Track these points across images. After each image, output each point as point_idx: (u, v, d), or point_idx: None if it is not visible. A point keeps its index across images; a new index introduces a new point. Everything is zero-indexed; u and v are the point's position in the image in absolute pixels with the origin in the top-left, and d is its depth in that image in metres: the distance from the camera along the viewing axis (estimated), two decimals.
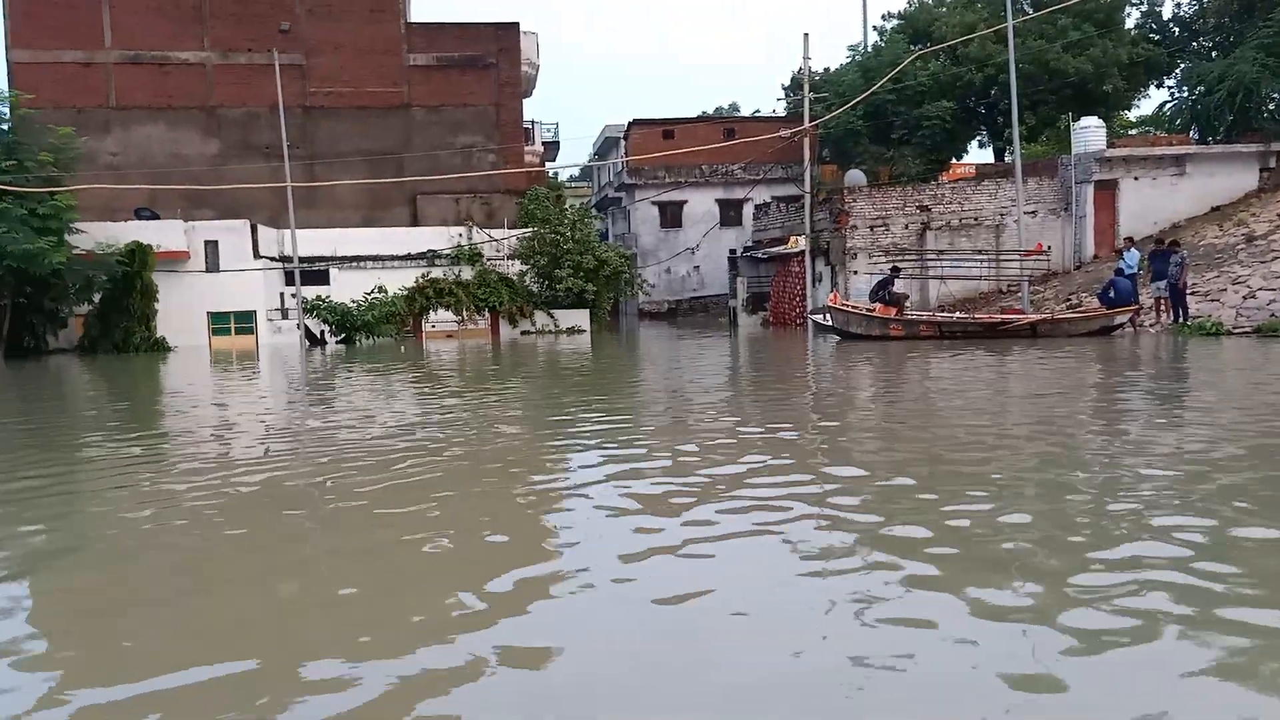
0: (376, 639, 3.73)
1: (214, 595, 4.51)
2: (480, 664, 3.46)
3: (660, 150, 43.43)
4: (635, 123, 48.33)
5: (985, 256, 28.93)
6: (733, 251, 41.39)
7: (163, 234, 30.68)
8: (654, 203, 47.28)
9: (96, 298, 29.54)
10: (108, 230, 29.76)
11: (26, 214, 26.00)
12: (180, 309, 30.48)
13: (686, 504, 5.84)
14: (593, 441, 8.78)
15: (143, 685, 3.37)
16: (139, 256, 29.60)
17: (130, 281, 29.43)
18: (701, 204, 47.63)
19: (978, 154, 48.33)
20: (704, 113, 62.55)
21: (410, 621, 3.97)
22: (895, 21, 44.99)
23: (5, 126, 28.02)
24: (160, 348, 29.66)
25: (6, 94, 29.15)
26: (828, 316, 24.72)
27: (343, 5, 37.54)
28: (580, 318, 35.05)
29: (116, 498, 6.94)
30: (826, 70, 46.48)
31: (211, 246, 31.46)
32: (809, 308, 32.09)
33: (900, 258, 28.05)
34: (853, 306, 24.68)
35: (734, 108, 69.66)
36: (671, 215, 47.91)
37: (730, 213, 47.42)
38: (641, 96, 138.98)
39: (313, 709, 3.13)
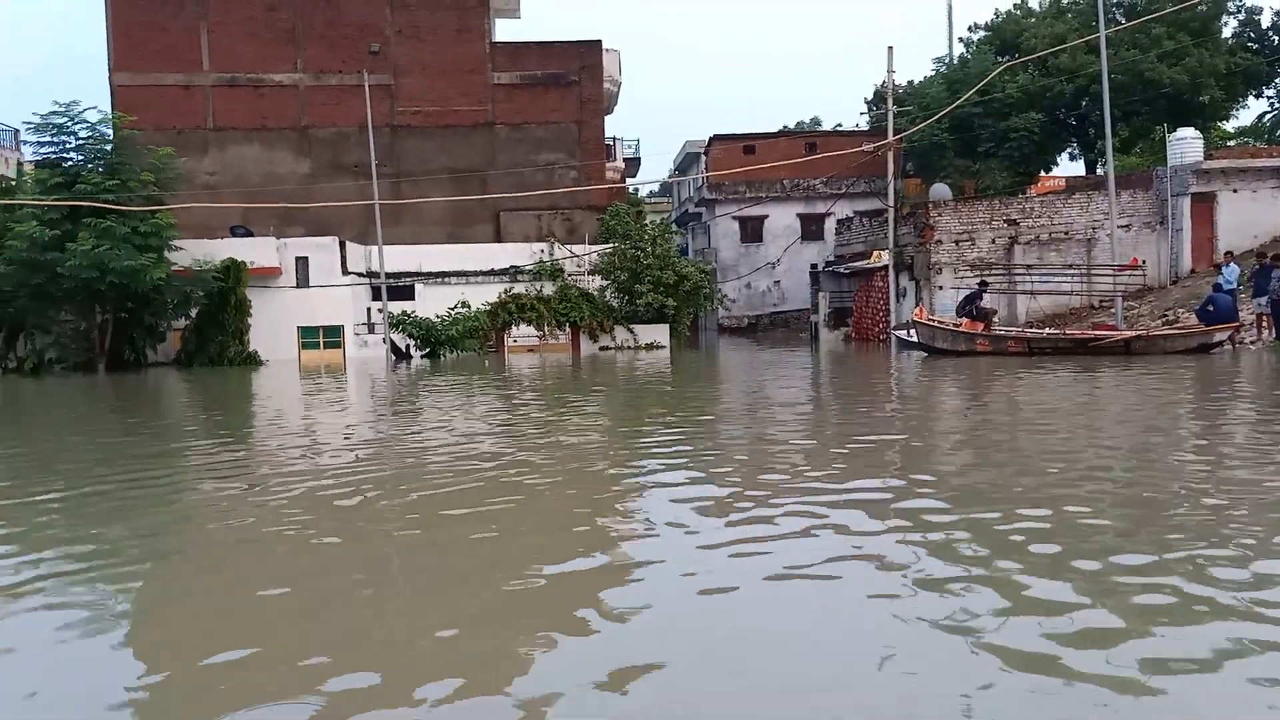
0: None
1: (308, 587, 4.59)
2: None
3: (741, 165, 43.31)
4: (716, 138, 48.34)
5: (1076, 271, 28.17)
6: (814, 266, 41.00)
7: (256, 251, 31.57)
8: (734, 217, 47.16)
9: (193, 312, 30.47)
10: (204, 247, 30.73)
11: (129, 232, 26.96)
12: (271, 323, 31.30)
13: (769, 518, 5.76)
14: (670, 453, 8.74)
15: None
16: (233, 273, 30.50)
17: (225, 297, 30.33)
18: (782, 218, 47.37)
19: (1068, 167, 47.21)
20: (785, 127, 62.23)
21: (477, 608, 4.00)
22: (982, 33, 44.24)
23: (108, 147, 29.11)
24: (253, 361, 30.50)
25: (109, 116, 30.29)
26: (912, 332, 24.32)
27: (430, 27, 38.31)
28: (660, 333, 35.05)
29: (238, 499, 7.13)
30: (910, 83, 45.92)
31: (302, 263, 32.27)
32: (892, 323, 31.62)
33: (988, 272, 27.48)
34: (938, 321, 24.24)
35: (815, 122, 69.20)
36: (752, 230, 47.74)
37: (812, 227, 47.05)
38: (723, 112, 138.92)
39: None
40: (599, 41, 39.69)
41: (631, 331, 35.02)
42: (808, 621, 4.03)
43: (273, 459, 9.73)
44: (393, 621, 4.23)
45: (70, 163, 28.55)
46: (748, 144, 47.07)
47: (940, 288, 30.79)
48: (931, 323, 23.86)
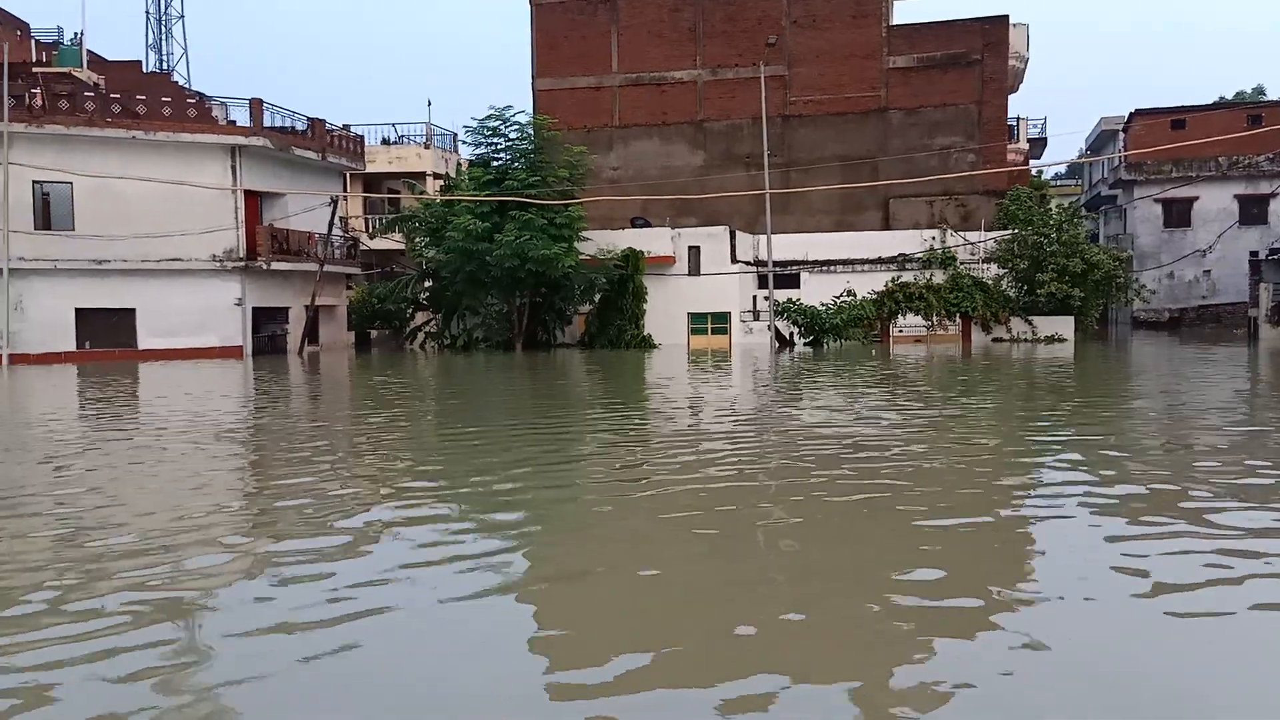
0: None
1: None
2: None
3: (1168, 142, 38.89)
4: (1138, 113, 43.78)
5: None
6: (1254, 254, 35.97)
7: (653, 240, 33.30)
8: (1157, 200, 42.45)
9: (596, 298, 32.78)
10: (607, 237, 32.95)
11: (546, 223, 29.56)
12: (664, 309, 32.87)
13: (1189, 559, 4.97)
14: (1072, 460, 7.92)
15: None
16: (632, 261, 32.39)
17: (624, 284, 32.31)
18: (1216, 200, 41.91)
19: None
20: (1221, 99, 55.01)
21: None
22: None
23: (530, 147, 31.98)
24: (647, 345, 32.22)
25: (533, 118, 33.25)
26: None
27: (827, 14, 38.14)
28: (1062, 325, 32.36)
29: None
30: None
31: (694, 252, 33.54)
32: None
33: None
34: None
35: (1259, 91, 60.45)
36: (1178, 214, 42.69)
37: (1253, 210, 41.25)
38: (1147, 84, 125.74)
39: None
40: (1005, 16, 37.34)
41: (1030, 323, 32.69)
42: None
43: (674, 432, 10.11)
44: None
45: (499, 161, 31.73)
46: (1176, 118, 42.16)
47: None
48: None
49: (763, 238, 34.02)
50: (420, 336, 34.12)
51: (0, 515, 6.35)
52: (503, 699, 3.30)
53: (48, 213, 28.02)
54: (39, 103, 27.50)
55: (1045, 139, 48.87)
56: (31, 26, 35.43)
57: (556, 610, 4.28)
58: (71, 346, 27.99)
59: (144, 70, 38.06)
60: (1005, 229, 33.93)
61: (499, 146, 31.92)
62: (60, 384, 19.89)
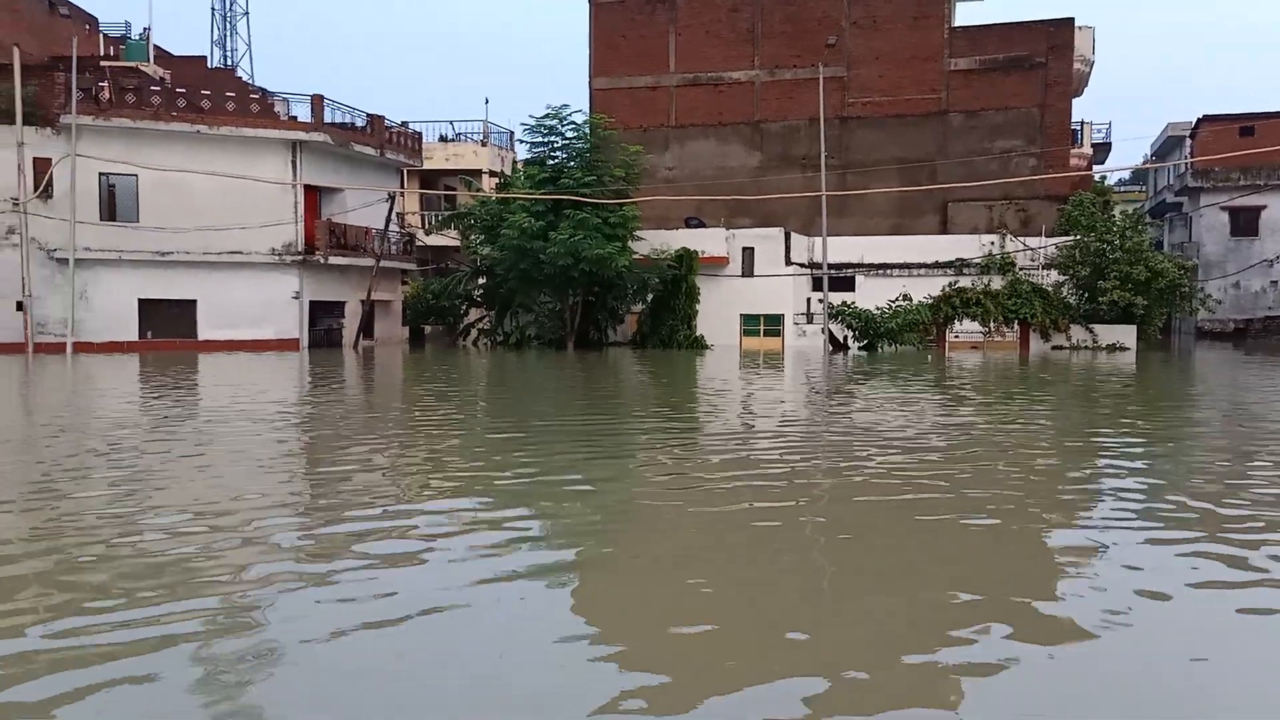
0: None
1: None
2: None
3: (1236, 149, 37.87)
4: (1205, 119, 42.76)
5: None
6: None
7: (707, 241, 33.15)
8: (1224, 208, 41.42)
9: (649, 298, 32.71)
10: (661, 237, 32.87)
11: (600, 223, 29.56)
12: (717, 310, 32.72)
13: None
14: (1133, 472, 7.69)
15: None
16: (686, 261, 32.28)
17: (677, 284, 32.20)
18: None
19: None
20: None
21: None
22: None
23: (586, 146, 31.99)
24: (699, 345, 32.08)
25: (589, 117, 33.27)
26: None
27: (888, 15, 37.74)
28: (1124, 334, 31.66)
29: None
30: None
31: (748, 253, 33.34)
32: None
33: None
34: None
35: None
36: (1245, 222, 41.63)
37: None
38: (1215, 89, 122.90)
39: None
40: (1071, 19, 36.67)
41: (1090, 331, 32.04)
42: None
43: (725, 431, 10.00)
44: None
45: (555, 160, 31.77)
46: (1245, 124, 41.10)
47: None
48: None
49: (818, 240, 33.72)
50: (474, 333, 34.31)
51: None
52: (506, 697, 3.25)
53: (113, 204, 28.61)
54: (106, 96, 28.07)
55: (1109, 144, 48.00)
56: (100, 21, 36.21)
57: (587, 599, 4.21)
58: (134, 336, 28.56)
59: (209, 65, 38.74)
60: (1067, 235, 33.29)
61: (555, 145, 31.95)
62: (128, 372, 20.27)
